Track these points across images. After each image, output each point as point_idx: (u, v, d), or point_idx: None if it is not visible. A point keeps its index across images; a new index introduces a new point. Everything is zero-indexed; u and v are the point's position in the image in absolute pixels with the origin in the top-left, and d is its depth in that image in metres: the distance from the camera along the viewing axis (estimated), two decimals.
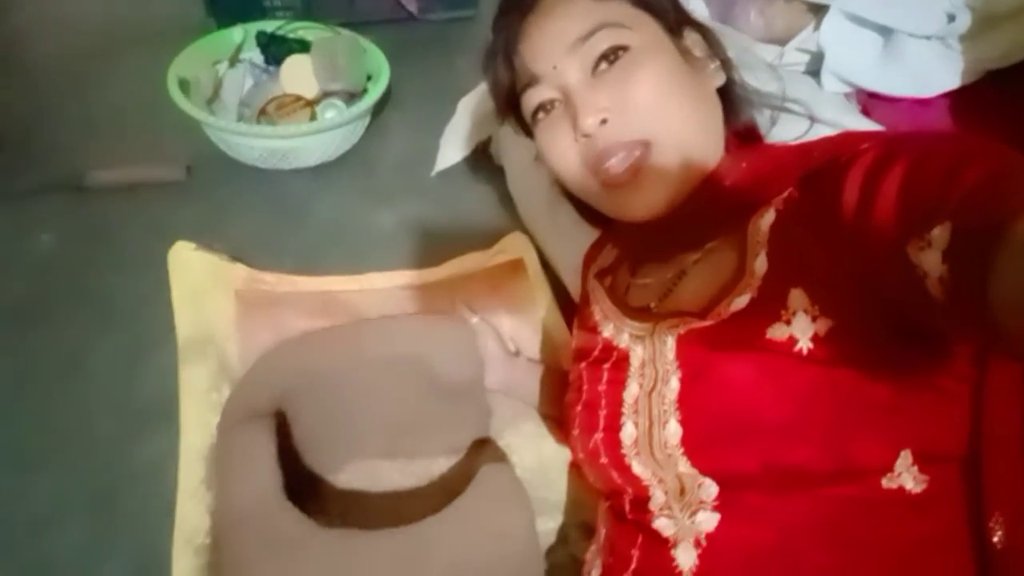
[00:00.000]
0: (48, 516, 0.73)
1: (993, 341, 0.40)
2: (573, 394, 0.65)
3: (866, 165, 0.45)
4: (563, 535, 0.75)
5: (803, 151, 0.56)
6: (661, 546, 0.53)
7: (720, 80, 0.63)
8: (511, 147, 1.04)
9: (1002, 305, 0.34)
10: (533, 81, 0.60)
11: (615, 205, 0.60)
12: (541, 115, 0.62)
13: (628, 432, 0.57)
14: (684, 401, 0.53)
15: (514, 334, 0.89)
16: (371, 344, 0.74)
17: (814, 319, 0.48)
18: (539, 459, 0.80)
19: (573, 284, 0.90)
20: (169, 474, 0.74)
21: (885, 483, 0.47)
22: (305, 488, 0.72)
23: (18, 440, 0.78)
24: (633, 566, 0.55)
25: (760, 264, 0.52)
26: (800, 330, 0.48)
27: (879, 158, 0.45)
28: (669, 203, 0.58)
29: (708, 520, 0.51)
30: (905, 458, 0.47)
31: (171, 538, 0.70)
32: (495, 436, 0.81)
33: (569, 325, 0.87)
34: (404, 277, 0.95)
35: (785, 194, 0.53)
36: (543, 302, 0.92)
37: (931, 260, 0.38)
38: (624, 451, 0.57)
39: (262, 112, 1.08)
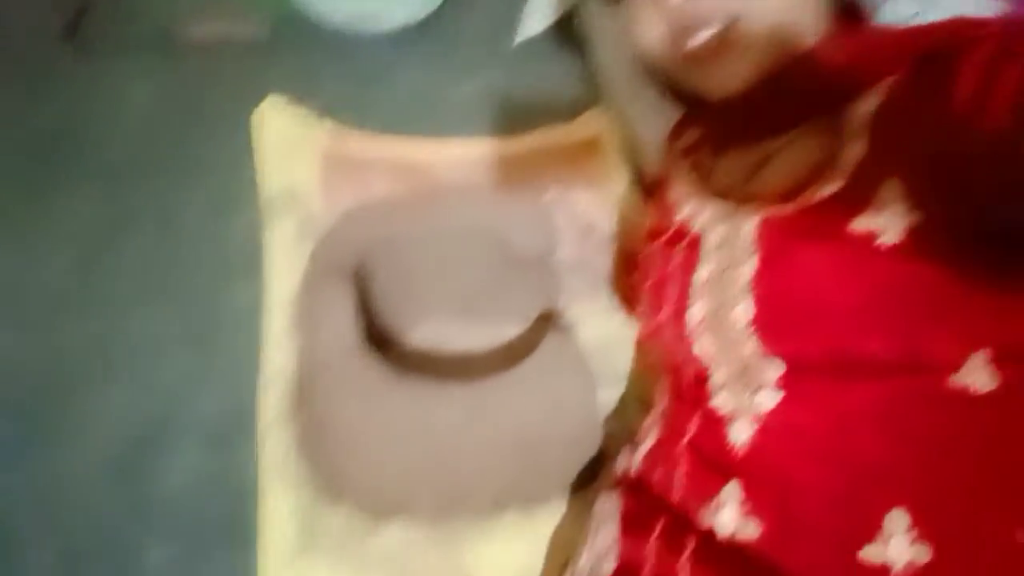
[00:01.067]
0: (147, 349, 0.80)
1: None
2: (643, 273, 0.67)
3: (984, 57, 0.43)
4: (621, 406, 0.78)
5: (912, 35, 0.54)
6: (716, 423, 0.55)
7: None
8: (597, 18, 1.00)
9: None
10: None
11: (698, 80, 0.59)
12: None
13: (695, 312, 0.59)
14: (759, 283, 0.54)
15: (589, 211, 0.90)
16: (449, 213, 0.77)
17: (905, 212, 0.47)
18: (604, 333, 0.83)
19: (653, 163, 0.89)
20: (256, 320, 0.80)
21: (953, 380, 0.47)
22: (382, 342, 0.77)
23: (116, 282, 0.85)
24: (687, 439, 0.57)
25: (855, 151, 0.51)
26: (887, 222, 0.47)
27: (998, 51, 0.43)
28: (755, 79, 0.57)
29: (768, 399, 0.53)
30: (978, 357, 0.47)
31: (258, 376, 0.77)
32: (563, 309, 0.84)
33: (645, 205, 0.88)
34: (484, 147, 0.96)
35: (891, 80, 0.52)
36: (620, 180, 0.92)
37: None
38: (689, 331, 0.59)
39: None
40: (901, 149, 0.49)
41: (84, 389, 0.77)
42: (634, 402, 0.79)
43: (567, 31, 1.09)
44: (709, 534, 0.53)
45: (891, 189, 0.48)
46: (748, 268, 0.55)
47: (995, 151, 0.41)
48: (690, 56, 0.58)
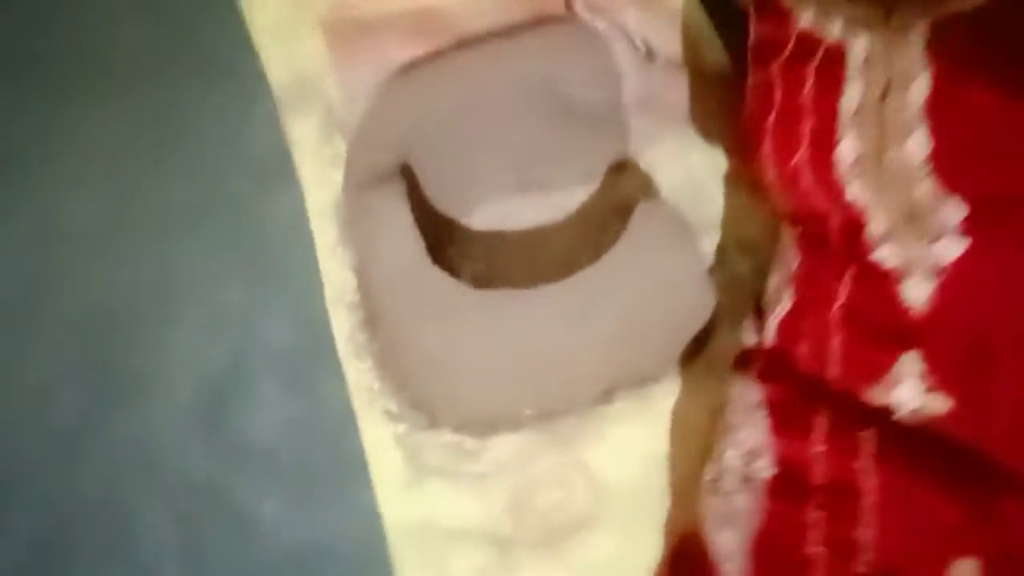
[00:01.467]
0: (198, 283, 0.74)
1: None
2: (758, 103, 0.55)
3: None
4: (721, 254, 0.70)
5: None
6: (881, 280, 0.46)
7: None
8: None
9: None
10: None
11: None
12: None
13: (847, 149, 0.48)
14: (936, 108, 0.43)
15: (645, 32, 0.76)
16: (489, 71, 0.65)
17: None
18: (687, 174, 0.73)
19: None
20: (305, 231, 0.73)
21: None
22: (443, 234, 0.69)
23: (148, 217, 0.78)
24: (841, 301, 0.49)
25: None
26: None
27: None
28: None
29: (950, 248, 0.44)
30: None
31: (322, 295, 0.71)
32: (635, 156, 0.74)
33: (712, 13, 0.74)
34: None
35: None
36: None
37: None
38: (840, 173, 0.48)
39: None
40: None
41: (144, 340, 0.72)
42: (732, 246, 0.70)
43: None
44: (884, 419, 0.46)
45: None
46: (919, 88, 0.43)
47: None
48: None
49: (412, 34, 0.78)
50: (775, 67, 0.53)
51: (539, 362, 0.58)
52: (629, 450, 0.63)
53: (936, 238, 0.44)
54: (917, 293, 0.45)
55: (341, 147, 0.73)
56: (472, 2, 0.79)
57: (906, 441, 0.45)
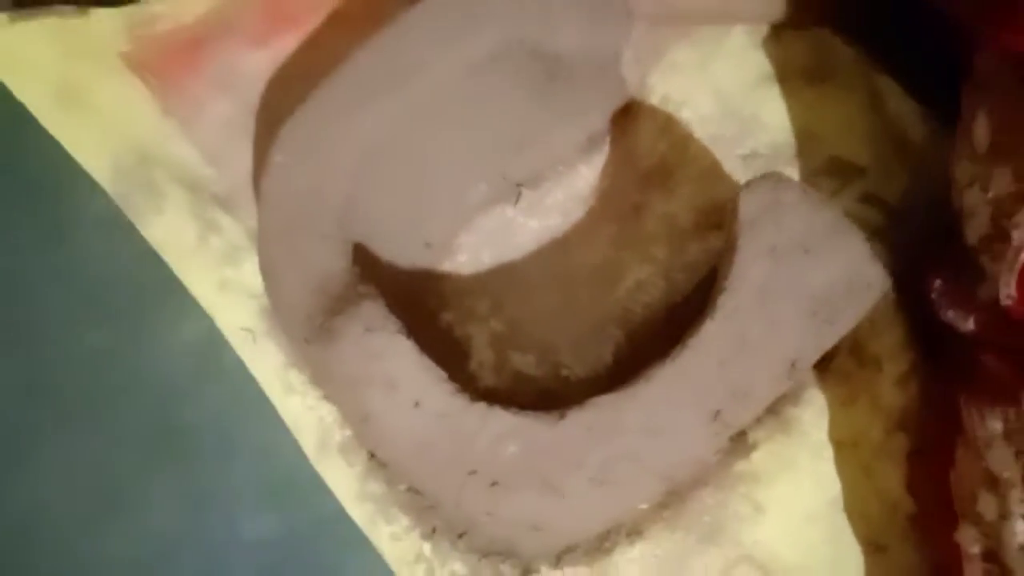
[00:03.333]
0: (136, 502, 0.52)
1: None
2: None
3: None
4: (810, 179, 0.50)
5: None
6: None
7: None
8: None
9: None
10: None
11: None
12: None
13: None
14: None
15: None
16: (430, 52, 0.41)
17: None
18: (717, 95, 0.52)
19: None
20: (228, 362, 0.50)
21: None
22: (429, 300, 0.48)
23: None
24: None
25: None
26: None
27: None
28: None
29: None
30: None
31: (295, 449, 0.49)
32: (642, 95, 0.52)
33: None
34: None
35: None
36: None
37: None
38: None
39: None
40: None
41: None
42: (834, 179, 0.51)
43: None
44: None
45: None
46: None
47: None
48: None
49: (262, 26, 0.52)
50: None
51: (644, 450, 0.38)
52: (797, 514, 0.46)
53: None
54: None
55: (233, 230, 0.49)
56: None
57: None
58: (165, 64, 0.51)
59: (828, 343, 0.38)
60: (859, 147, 0.50)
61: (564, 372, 0.50)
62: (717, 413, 0.36)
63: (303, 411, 0.48)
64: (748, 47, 0.52)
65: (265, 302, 0.48)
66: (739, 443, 0.47)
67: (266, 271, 0.40)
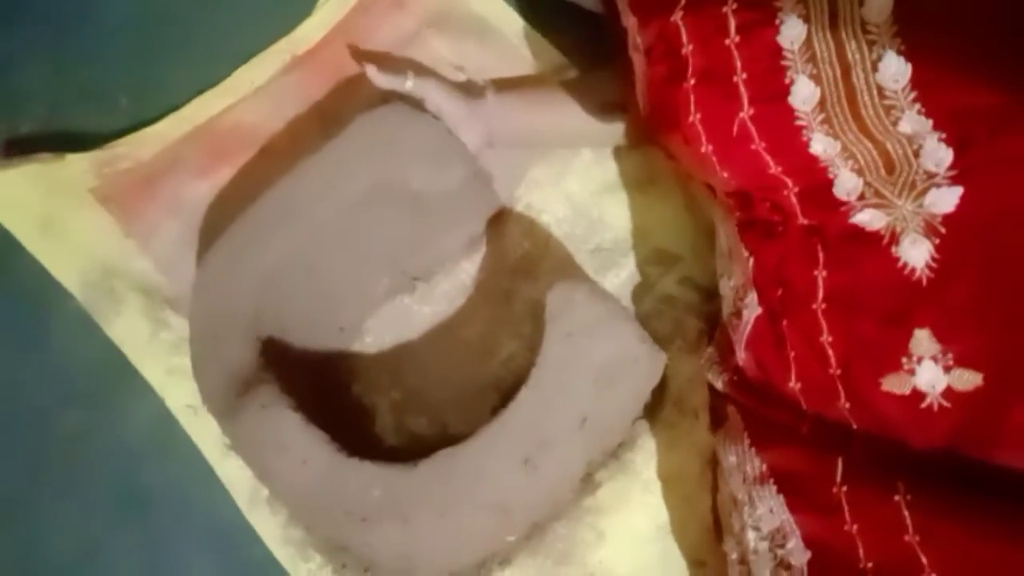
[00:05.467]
0: (106, 551, 0.63)
1: None
2: (663, 67, 0.46)
3: None
4: (642, 278, 0.64)
5: None
6: (870, 247, 0.40)
7: None
8: None
9: None
10: None
11: None
12: None
13: (804, 92, 0.40)
14: (905, 18, 0.37)
15: (456, 57, 0.67)
16: (321, 195, 0.55)
17: None
18: (569, 202, 0.66)
19: None
20: (178, 434, 0.62)
21: None
22: (340, 375, 0.61)
23: None
24: (823, 289, 0.43)
25: None
26: None
27: None
28: None
29: (944, 198, 0.38)
30: None
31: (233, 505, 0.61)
32: (511, 204, 0.66)
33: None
34: (280, 53, 0.70)
35: None
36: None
37: None
38: (801, 122, 0.41)
39: None
40: None
41: None
42: (649, 263, 0.64)
43: None
44: (913, 462, 0.41)
45: None
46: (878, 2, 0.37)
47: None
48: None
49: (204, 161, 0.67)
50: (676, 17, 0.44)
51: (504, 512, 0.50)
52: (632, 538, 0.58)
53: (925, 190, 0.38)
54: (916, 253, 0.39)
55: (180, 326, 0.62)
56: (255, 100, 0.68)
57: (940, 486, 0.40)
58: (126, 195, 0.65)
59: (612, 404, 0.51)
60: (678, 240, 0.63)
61: (451, 431, 0.62)
62: (527, 459, 0.48)
63: (236, 471, 0.60)
64: (593, 164, 0.66)
65: None
66: (587, 483, 0.59)
67: (194, 363, 0.53)
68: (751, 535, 0.46)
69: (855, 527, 0.41)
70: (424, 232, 0.62)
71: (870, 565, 0.41)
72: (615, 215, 0.65)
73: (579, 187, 0.66)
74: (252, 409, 0.48)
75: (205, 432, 0.61)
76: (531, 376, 0.50)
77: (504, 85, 0.64)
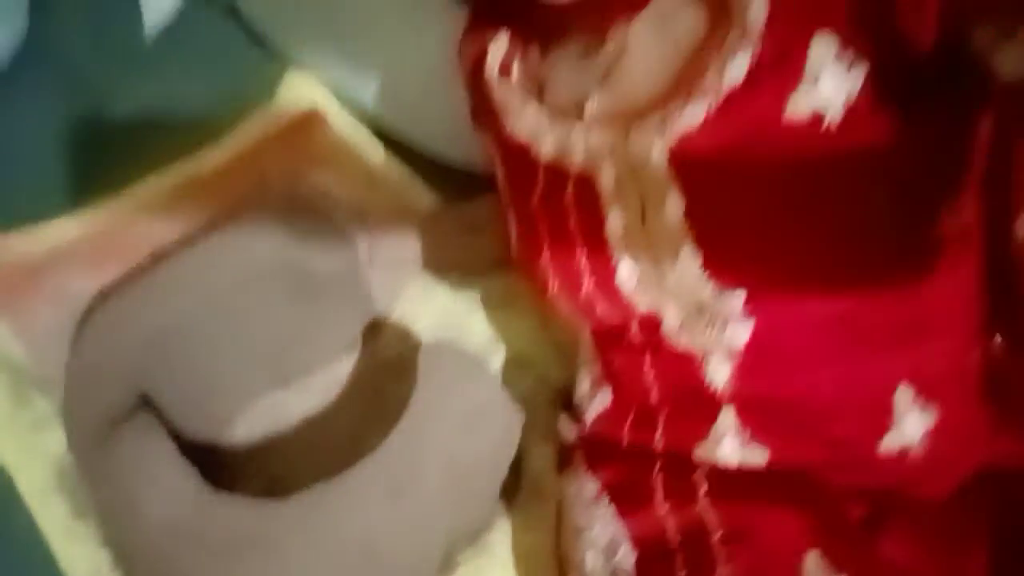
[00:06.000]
0: None
1: None
2: (528, 240, 0.55)
3: None
4: (503, 378, 0.71)
5: None
6: (686, 363, 0.49)
7: None
8: None
9: None
10: None
11: None
12: None
13: (626, 272, 0.50)
14: (695, 219, 0.46)
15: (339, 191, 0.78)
16: (219, 264, 0.60)
17: (850, 67, 0.41)
18: (441, 315, 0.74)
19: (409, 108, 0.78)
20: (19, 523, 0.59)
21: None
22: (209, 462, 0.61)
23: None
24: (655, 390, 0.51)
25: (756, 11, 0.43)
26: (829, 93, 0.41)
27: None
28: None
29: (740, 332, 0.47)
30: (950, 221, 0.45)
31: None
32: (386, 314, 0.73)
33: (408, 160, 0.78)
34: (183, 174, 0.78)
35: None
36: (368, 147, 0.80)
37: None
38: (625, 293, 0.50)
39: None
40: None
41: None
42: (511, 365, 0.72)
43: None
44: (713, 468, 0.49)
45: (822, 47, 0.41)
46: (674, 207, 0.46)
47: None
48: None
49: (93, 260, 0.70)
50: (534, 203, 0.54)
51: (370, 551, 0.52)
52: None
53: (725, 325, 0.47)
54: (719, 373, 0.49)
55: (43, 406, 0.62)
56: (147, 217, 0.74)
57: (735, 481, 0.49)
58: (9, 282, 0.67)
59: (475, 449, 0.56)
60: (534, 347, 0.72)
61: None
62: (393, 494, 0.52)
63: (78, 555, 0.57)
64: (459, 283, 0.75)
65: (61, 464, 0.60)
66: (448, 563, 0.61)
67: (66, 401, 0.54)
68: (589, 556, 0.51)
69: (667, 507, 0.48)
70: (307, 328, 0.68)
71: (678, 540, 0.46)
72: (480, 325, 0.73)
73: (448, 303, 0.74)
74: (127, 436, 0.49)
75: (53, 515, 0.59)
76: (403, 419, 0.55)
77: (382, 215, 0.75)
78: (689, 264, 0.47)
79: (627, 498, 0.52)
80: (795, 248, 0.45)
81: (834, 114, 0.41)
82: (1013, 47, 0.33)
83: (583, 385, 0.60)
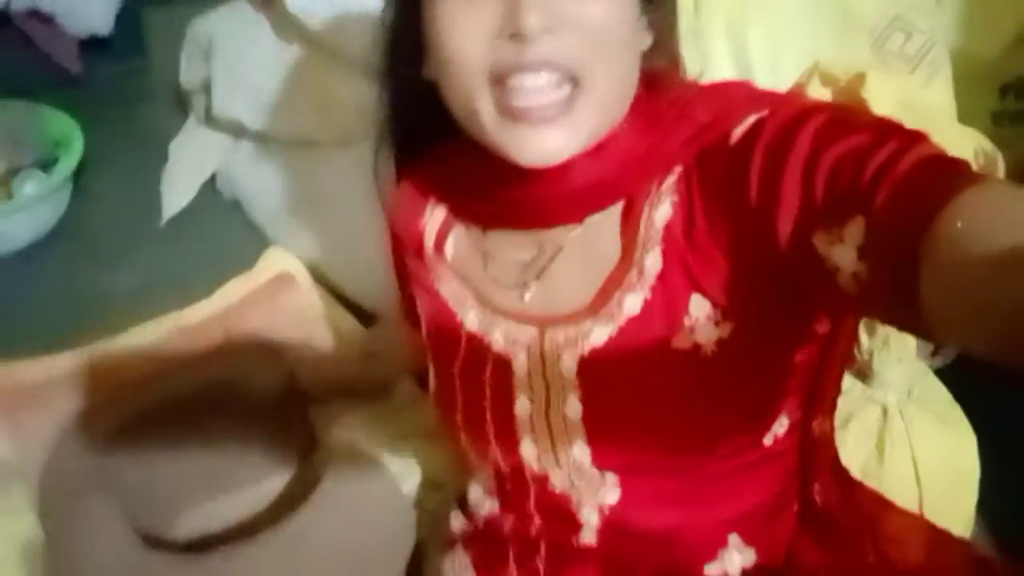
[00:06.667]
0: None
1: (919, 333, 0.40)
2: (445, 395, 0.61)
3: (767, 143, 0.43)
4: (420, 496, 0.82)
5: (685, 111, 0.50)
6: (563, 503, 0.57)
7: (647, 43, 0.53)
8: (250, 168, 1.08)
9: (931, 305, 0.33)
10: None
11: (512, 140, 0.47)
12: None
13: (527, 449, 0.56)
14: (591, 421, 0.53)
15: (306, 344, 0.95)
16: (179, 378, 0.75)
17: (716, 323, 0.48)
18: (381, 440, 0.86)
19: (358, 285, 0.97)
20: None
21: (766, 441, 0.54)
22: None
23: None
24: (537, 522, 0.59)
25: (652, 262, 0.50)
26: (704, 336, 0.48)
27: (779, 135, 0.43)
28: (577, 151, 0.47)
29: (610, 494, 0.55)
30: (782, 419, 0.54)
31: None
32: (321, 438, 0.86)
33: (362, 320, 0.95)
34: (170, 323, 0.95)
35: (676, 175, 0.50)
36: (330, 309, 0.98)
37: (844, 255, 0.38)
38: (525, 462, 0.57)
39: None
40: (701, 263, 0.48)
41: None
42: (427, 489, 0.82)
43: (212, 198, 1.15)
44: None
45: (697, 304, 0.49)
46: (574, 406, 0.53)
47: (788, 246, 0.42)
48: (511, 109, 0.46)
49: (78, 386, 0.85)
50: (455, 370, 0.59)
51: None
52: None
53: (598, 489, 0.54)
54: (591, 517, 0.55)
55: (20, 493, 0.74)
56: (142, 350, 0.91)
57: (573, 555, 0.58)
58: (14, 403, 0.82)
59: (373, 540, 0.66)
60: (444, 471, 0.83)
61: None
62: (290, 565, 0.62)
63: None
64: (401, 408, 0.89)
65: (26, 544, 0.71)
66: None
67: (44, 478, 0.66)
68: None
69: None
70: (247, 444, 0.81)
71: None
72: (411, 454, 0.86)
73: (389, 430, 0.86)
74: (83, 504, 0.61)
75: None
76: (308, 502, 0.66)
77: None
78: (580, 453, 0.53)
79: (486, 561, 0.62)
80: (662, 440, 0.52)
81: (709, 347, 0.49)
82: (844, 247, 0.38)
83: (476, 491, 0.69)
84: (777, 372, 0.51)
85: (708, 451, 0.51)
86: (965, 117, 0.82)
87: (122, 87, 1.50)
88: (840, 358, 0.56)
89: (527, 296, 0.55)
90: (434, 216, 0.62)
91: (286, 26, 1.03)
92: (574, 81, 0.46)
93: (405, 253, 0.65)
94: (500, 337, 0.56)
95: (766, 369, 0.51)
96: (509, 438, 0.56)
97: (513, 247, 0.56)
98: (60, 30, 1.42)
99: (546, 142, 0.46)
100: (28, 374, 0.86)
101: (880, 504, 0.63)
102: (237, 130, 1.10)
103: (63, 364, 0.88)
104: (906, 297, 0.34)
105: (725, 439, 0.51)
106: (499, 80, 0.46)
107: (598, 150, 0.49)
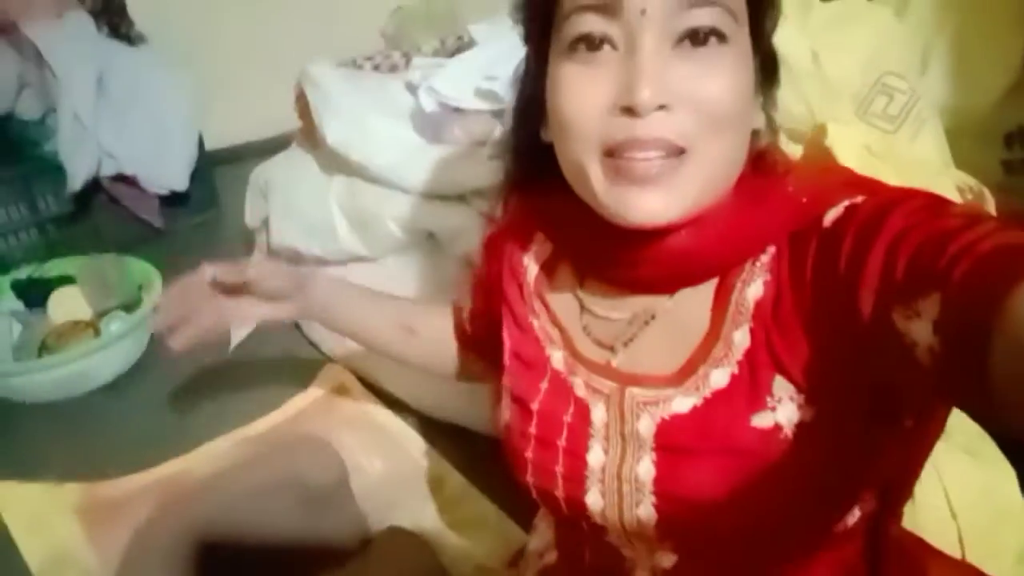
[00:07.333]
0: None
1: (989, 414, 0.39)
2: (520, 429, 0.59)
3: (859, 225, 0.44)
4: None
5: (785, 192, 0.51)
6: (619, 560, 0.58)
7: (760, 122, 0.53)
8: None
9: (1002, 383, 0.33)
10: (605, 8, 0.47)
11: (619, 201, 0.48)
12: (582, 48, 0.48)
13: (594, 499, 0.55)
14: (662, 487, 0.52)
15: (360, 445, 1.01)
16: (241, 477, 0.82)
17: (799, 407, 0.48)
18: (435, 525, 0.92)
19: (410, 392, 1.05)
20: None
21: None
22: None
23: None
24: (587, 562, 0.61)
25: (741, 338, 0.50)
26: (785, 417, 0.48)
27: (871, 217, 0.44)
28: (680, 217, 0.48)
29: (667, 559, 0.55)
30: (854, 511, 0.52)
31: None
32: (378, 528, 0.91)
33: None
34: (237, 436, 1.03)
35: (769, 254, 0.50)
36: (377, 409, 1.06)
37: (921, 330, 0.38)
38: (589, 511, 0.56)
39: (43, 347, 1.13)
40: (788, 345, 0.48)
41: None
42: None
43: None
44: None
45: (781, 385, 0.48)
46: (647, 468, 0.52)
47: (870, 323, 0.42)
48: (621, 171, 0.47)
49: (154, 498, 0.94)
50: (535, 405, 0.58)
51: None
52: None
53: (654, 551, 0.55)
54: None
55: None
56: (208, 462, 0.99)
57: None
58: (98, 514, 0.91)
59: None
60: (495, 560, 0.86)
61: None
62: None
63: None
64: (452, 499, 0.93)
65: None
66: None
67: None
68: None
69: None
70: (304, 535, 0.86)
71: None
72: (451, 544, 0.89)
73: (432, 516, 0.91)
74: None
75: None
76: None
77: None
78: (646, 514, 0.53)
79: None
80: (730, 515, 0.50)
81: (789, 429, 0.48)
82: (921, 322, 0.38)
83: (536, 541, 0.72)
84: (858, 463, 0.50)
85: (773, 531, 0.51)
86: (977, 169, 0.84)
87: (198, 235, 1.71)
88: (925, 456, 0.55)
89: (615, 362, 0.56)
90: (539, 251, 0.63)
91: (329, 160, 1.17)
92: (683, 151, 0.47)
93: (503, 275, 0.65)
94: (581, 383, 0.56)
95: (846, 459, 0.49)
96: (578, 485, 0.55)
97: (607, 306, 0.57)
98: (143, 190, 1.61)
99: (649, 201, 0.47)
100: (110, 491, 0.95)
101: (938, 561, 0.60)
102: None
103: (141, 481, 0.98)
104: (977, 371, 0.34)
105: (794, 523, 0.50)
106: (610, 152, 0.47)
107: (700, 222, 0.50)
